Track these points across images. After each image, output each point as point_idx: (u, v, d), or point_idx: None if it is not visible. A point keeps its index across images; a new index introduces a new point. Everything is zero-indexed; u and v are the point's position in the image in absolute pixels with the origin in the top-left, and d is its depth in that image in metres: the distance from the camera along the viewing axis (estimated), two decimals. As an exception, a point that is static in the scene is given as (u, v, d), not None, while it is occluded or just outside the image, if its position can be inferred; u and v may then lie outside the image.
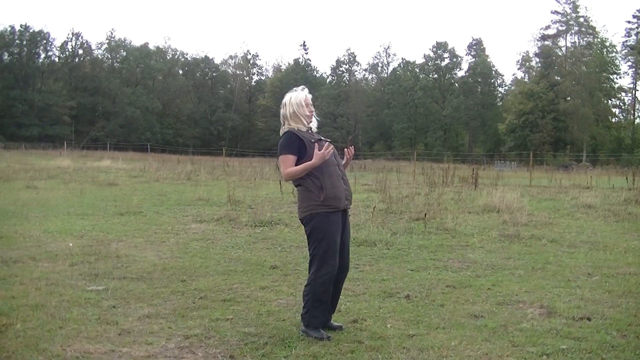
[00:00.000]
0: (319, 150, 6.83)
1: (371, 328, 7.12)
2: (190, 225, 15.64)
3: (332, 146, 6.96)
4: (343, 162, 7.41)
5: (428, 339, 6.75)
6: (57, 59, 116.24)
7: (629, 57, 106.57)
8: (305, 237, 7.16)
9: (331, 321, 7.19)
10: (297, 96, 7.21)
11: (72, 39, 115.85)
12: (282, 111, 7.25)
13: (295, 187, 7.23)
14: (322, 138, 7.23)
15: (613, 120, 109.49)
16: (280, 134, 7.19)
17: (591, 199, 22.10)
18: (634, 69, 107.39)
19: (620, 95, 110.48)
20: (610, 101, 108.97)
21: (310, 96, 7.26)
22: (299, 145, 6.96)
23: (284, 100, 7.26)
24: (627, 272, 10.61)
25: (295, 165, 6.95)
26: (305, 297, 7.01)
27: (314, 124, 7.30)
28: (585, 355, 6.26)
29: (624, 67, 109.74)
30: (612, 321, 7.46)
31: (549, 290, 9.16)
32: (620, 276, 10.26)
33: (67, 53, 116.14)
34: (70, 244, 12.33)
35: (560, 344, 6.57)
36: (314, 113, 7.26)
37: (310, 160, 6.85)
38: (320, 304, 6.91)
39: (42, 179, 29.63)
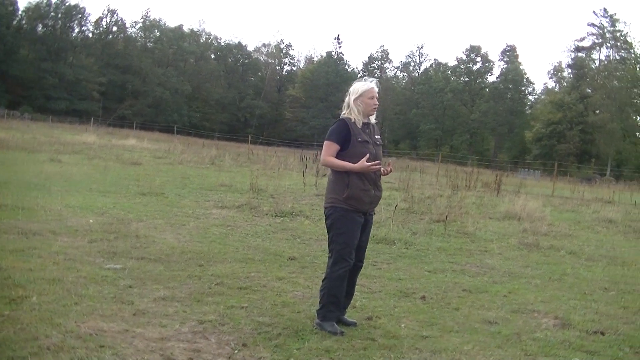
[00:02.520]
0: (367, 162, 6.81)
1: (385, 326, 7.12)
2: (211, 211, 15.67)
3: (379, 163, 6.94)
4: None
5: (441, 342, 6.76)
6: (90, 35, 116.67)
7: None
8: (326, 229, 7.16)
9: (345, 317, 7.22)
10: (363, 86, 7.14)
11: (107, 15, 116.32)
12: (346, 98, 7.19)
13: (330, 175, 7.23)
14: (378, 138, 7.23)
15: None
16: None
17: (613, 213, 22.02)
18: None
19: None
20: (639, 118, 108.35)
21: (376, 89, 7.17)
22: (345, 137, 6.93)
23: (350, 88, 7.22)
24: (644, 289, 10.58)
25: (337, 154, 6.93)
26: (321, 291, 7.03)
27: (372, 118, 7.23)
28: (597, 370, 6.26)
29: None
30: (625, 337, 7.43)
31: (564, 302, 9.14)
32: (637, 293, 10.21)
33: (101, 29, 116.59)
34: (91, 221, 12.37)
35: (572, 356, 6.57)
36: (376, 107, 7.13)
37: (352, 160, 6.83)
38: (335, 298, 6.92)
39: (67, 153, 29.79)
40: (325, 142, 6.99)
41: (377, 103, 7.12)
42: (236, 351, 6.02)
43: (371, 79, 7.34)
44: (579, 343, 7.05)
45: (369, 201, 6.99)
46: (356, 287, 7.49)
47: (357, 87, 7.15)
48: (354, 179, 6.86)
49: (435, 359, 6.22)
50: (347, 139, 6.91)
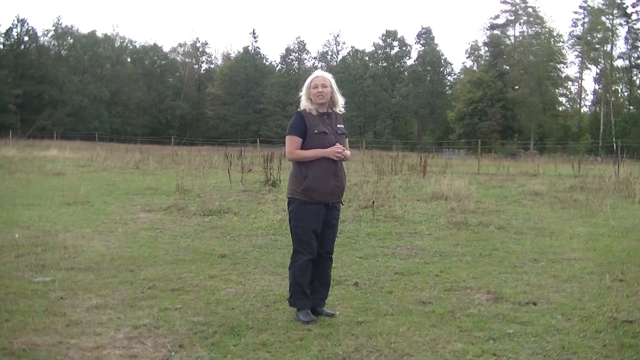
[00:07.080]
0: (333, 146, 7.02)
1: (320, 315, 7.13)
2: (139, 215, 15.54)
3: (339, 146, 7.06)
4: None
5: (376, 326, 6.80)
6: (1, 46, 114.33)
7: (576, 47, 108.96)
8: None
9: (324, 308, 7.34)
10: (308, 79, 7.22)
11: (17, 25, 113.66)
12: None
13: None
14: (340, 127, 7.33)
15: (560, 109, 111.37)
16: None
17: (538, 186, 22.45)
18: (580, 59, 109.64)
19: (566, 84, 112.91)
20: (557, 90, 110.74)
21: (324, 75, 7.22)
22: (303, 129, 7.02)
23: None
24: (571, 257, 10.82)
25: (301, 146, 7.01)
26: (289, 279, 7.27)
27: (339, 105, 7.36)
28: (531, 339, 6.35)
29: (570, 56, 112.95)
30: (557, 305, 7.60)
31: (495, 276, 9.29)
32: (565, 262, 10.44)
33: (12, 40, 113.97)
34: (16, 235, 12.11)
35: (506, 329, 6.66)
36: (325, 94, 7.12)
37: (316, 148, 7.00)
38: (300, 287, 7.06)
39: (-13, 169, 29.23)
40: (287, 138, 7.08)
41: (322, 91, 7.09)
42: (173, 353, 5.99)
43: (318, 70, 7.51)
44: (512, 315, 7.18)
45: (329, 192, 7.04)
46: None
47: (306, 82, 7.23)
48: (312, 170, 6.95)
49: (371, 344, 6.26)
50: (304, 131, 7.01)
